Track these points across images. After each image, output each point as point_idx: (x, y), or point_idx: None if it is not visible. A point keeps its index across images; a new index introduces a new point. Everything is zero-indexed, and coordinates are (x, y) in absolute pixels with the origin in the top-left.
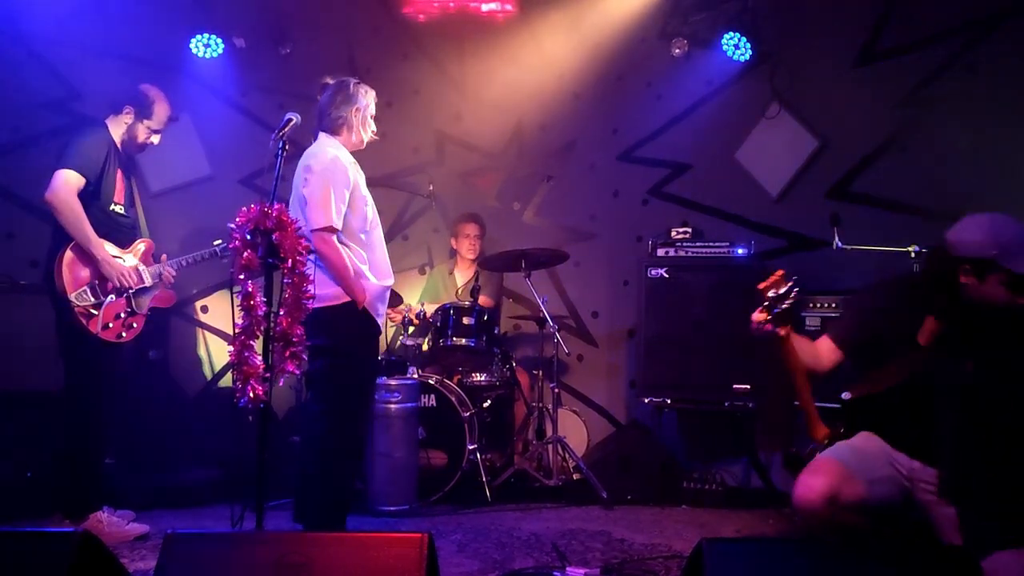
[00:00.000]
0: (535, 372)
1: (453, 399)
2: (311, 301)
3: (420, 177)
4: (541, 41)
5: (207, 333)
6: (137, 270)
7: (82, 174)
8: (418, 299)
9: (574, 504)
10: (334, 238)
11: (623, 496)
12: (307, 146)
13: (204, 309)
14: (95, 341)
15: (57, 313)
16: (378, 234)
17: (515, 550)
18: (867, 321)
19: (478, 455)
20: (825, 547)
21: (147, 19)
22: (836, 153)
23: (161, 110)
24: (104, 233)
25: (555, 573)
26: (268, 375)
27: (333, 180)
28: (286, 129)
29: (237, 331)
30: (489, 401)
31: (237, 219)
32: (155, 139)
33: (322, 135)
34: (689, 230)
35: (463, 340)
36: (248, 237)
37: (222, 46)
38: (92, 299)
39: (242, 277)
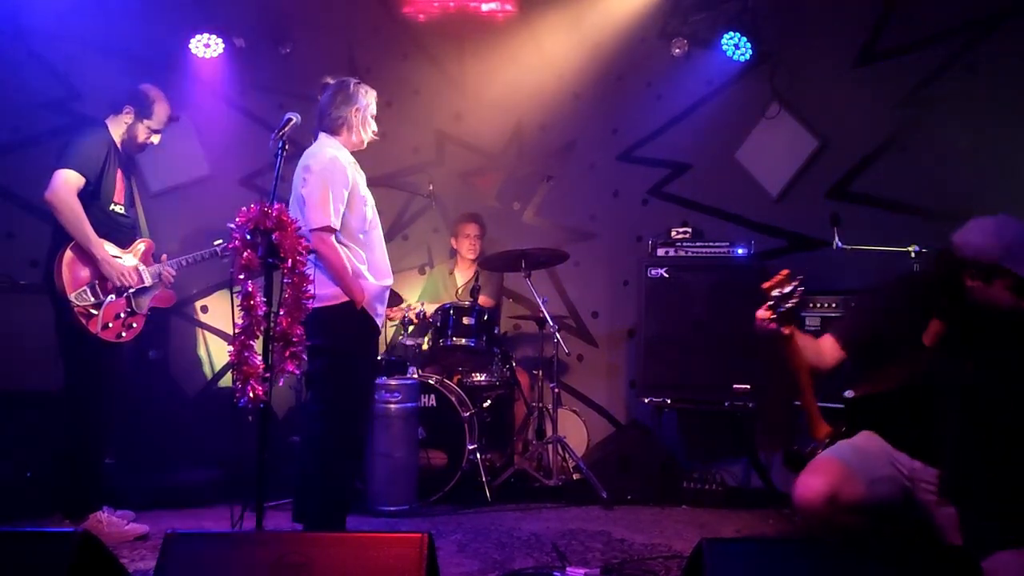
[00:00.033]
0: (535, 372)
1: (453, 399)
2: (311, 301)
3: (420, 177)
4: (541, 41)
5: (207, 333)
6: (137, 270)
7: (82, 174)
8: (418, 299)
9: (574, 504)
10: (332, 238)
11: (623, 496)
12: (307, 146)
13: (204, 309)
14: (95, 341)
15: (57, 313)
16: (377, 234)
17: (515, 550)
18: (871, 321)
19: (478, 455)
20: (825, 547)
21: (147, 19)
22: (836, 153)
23: (161, 110)
24: (104, 233)
25: (555, 573)
26: (268, 375)
27: (331, 180)
28: (286, 129)
29: (237, 331)
30: (489, 401)
31: (237, 219)
32: (155, 139)
33: (322, 135)
34: (689, 230)
35: (463, 340)
36: (248, 237)
37: (222, 46)
38: (92, 299)
39: (242, 277)
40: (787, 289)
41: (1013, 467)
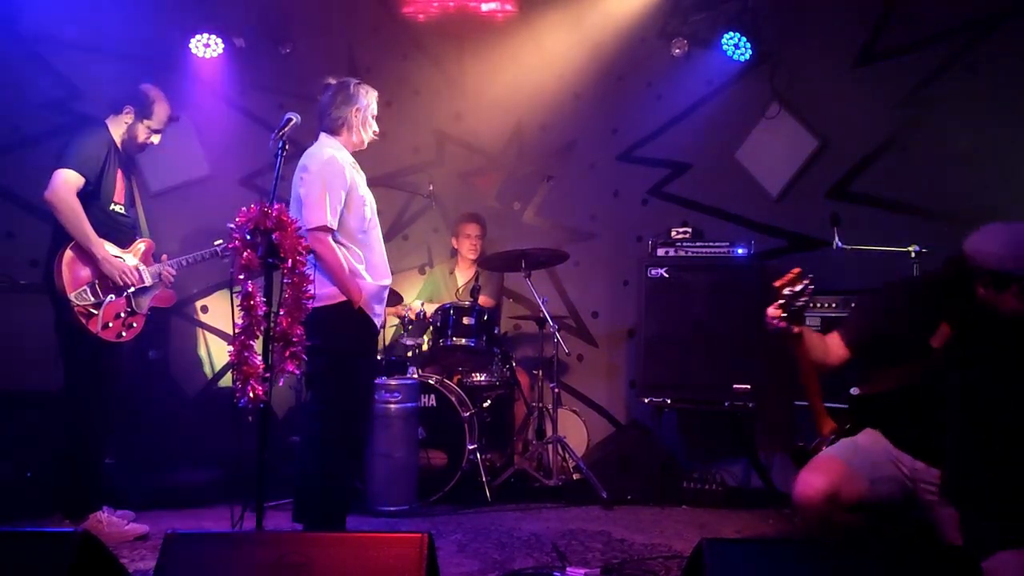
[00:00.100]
0: (535, 372)
1: (453, 399)
2: (311, 301)
3: (420, 177)
4: (541, 41)
5: (207, 333)
6: (137, 269)
7: (82, 174)
8: (417, 298)
9: (574, 504)
10: (329, 238)
11: (623, 496)
12: (307, 146)
13: (204, 309)
14: (95, 341)
15: (57, 312)
16: (376, 234)
17: (515, 550)
18: (877, 321)
19: (478, 455)
20: (825, 547)
21: (147, 19)
22: (836, 153)
23: (161, 110)
24: (104, 233)
25: (555, 573)
26: (268, 375)
27: (329, 180)
28: (286, 129)
29: (237, 331)
30: (489, 401)
31: (237, 219)
32: (155, 139)
33: (322, 135)
34: (689, 230)
35: (463, 340)
36: (248, 237)
37: (222, 46)
38: (92, 299)
39: (242, 277)
40: (798, 288)
41: (1013, 467)
